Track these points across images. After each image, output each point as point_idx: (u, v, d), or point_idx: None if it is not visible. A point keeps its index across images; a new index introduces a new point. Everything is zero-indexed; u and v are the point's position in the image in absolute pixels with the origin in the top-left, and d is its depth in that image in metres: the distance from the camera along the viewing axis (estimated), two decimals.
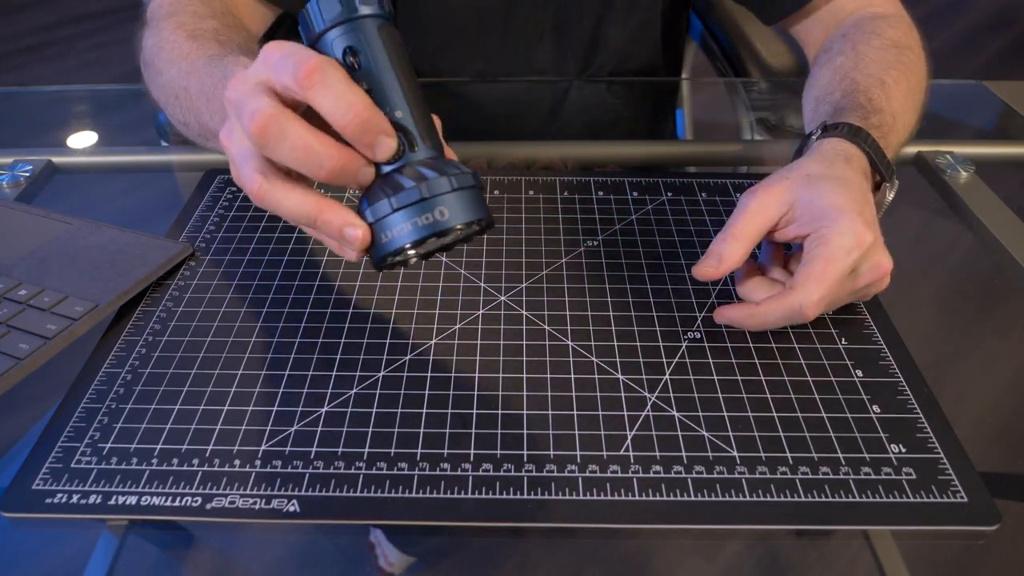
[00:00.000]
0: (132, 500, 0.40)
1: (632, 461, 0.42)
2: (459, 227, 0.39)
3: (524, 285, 0.54)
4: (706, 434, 0.43)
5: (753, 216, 0.47)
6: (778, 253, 0.52)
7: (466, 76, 0.81)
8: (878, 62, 0.60)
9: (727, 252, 0.47)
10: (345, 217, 0.39)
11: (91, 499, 0.40)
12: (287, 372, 0.47)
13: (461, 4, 0.76)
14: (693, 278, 0.49)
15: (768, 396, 0.46)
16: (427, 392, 0.46)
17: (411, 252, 0.40)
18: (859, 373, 0.47)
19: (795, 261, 0.51)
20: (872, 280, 0.48)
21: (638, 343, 0.49)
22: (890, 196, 0.53)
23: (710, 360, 0.48)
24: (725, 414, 0.45)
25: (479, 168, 0.69)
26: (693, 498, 0.40)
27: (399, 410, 0.45)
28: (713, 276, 0.47)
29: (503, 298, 0.53)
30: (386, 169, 0.39)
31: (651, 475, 0.41)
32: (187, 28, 0.58)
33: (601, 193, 0.64)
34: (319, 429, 0.44)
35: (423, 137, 0.40)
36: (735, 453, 0.42)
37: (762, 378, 0.47)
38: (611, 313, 0.52)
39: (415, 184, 0.38)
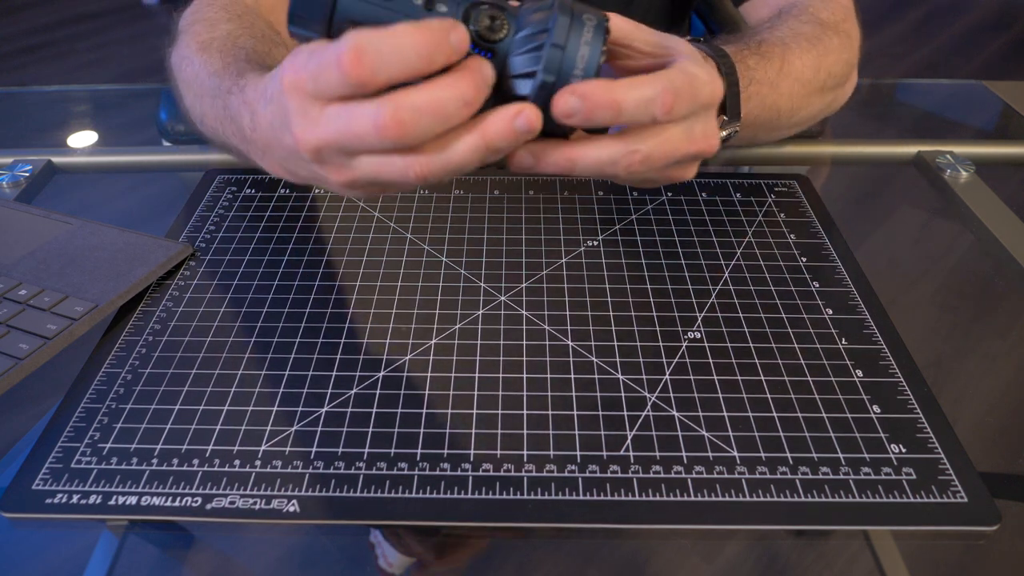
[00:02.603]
0: (132, 500, 0.40)
1: (632, 461, 0.42)
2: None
3: (524, 285, 0.54)
4: (706, 434, 0.43)
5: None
6: None
7: None
8: (792, 29, 0.60)
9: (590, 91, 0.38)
10: (503, 115, 0.37)
11: (91, 499, 0.40)
12: (287, 372, 0.47)
13: None
14: (693, 278, 0.49)
15: (768, 396, 0.46)
16: (427, 392, 0.46)
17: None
18: (859, 373, 0.47)
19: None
20: (702, 149, 0.42)
21: (638, 343, 0.49)
22: (722, 133, 0.50)
23: (710, 360, 0.48)
24: (725, 414, 0.45)
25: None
26: (693, 498, 0.40)
27: (399, 410, 0.45)
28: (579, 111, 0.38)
29: (503, 298, 0.53)
30: (495, 50, 0.38)
31: (651, 475, 0.41)
32: (199, 39, 0.57)
33: (601, 193, 0.64)
34: (319, 429, 0.44)
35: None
36: (735, 453, 0.42)
37: (762, 378, 0.47)
38: (611, 313, 0.52)
39: (539, 62, 0.37)
